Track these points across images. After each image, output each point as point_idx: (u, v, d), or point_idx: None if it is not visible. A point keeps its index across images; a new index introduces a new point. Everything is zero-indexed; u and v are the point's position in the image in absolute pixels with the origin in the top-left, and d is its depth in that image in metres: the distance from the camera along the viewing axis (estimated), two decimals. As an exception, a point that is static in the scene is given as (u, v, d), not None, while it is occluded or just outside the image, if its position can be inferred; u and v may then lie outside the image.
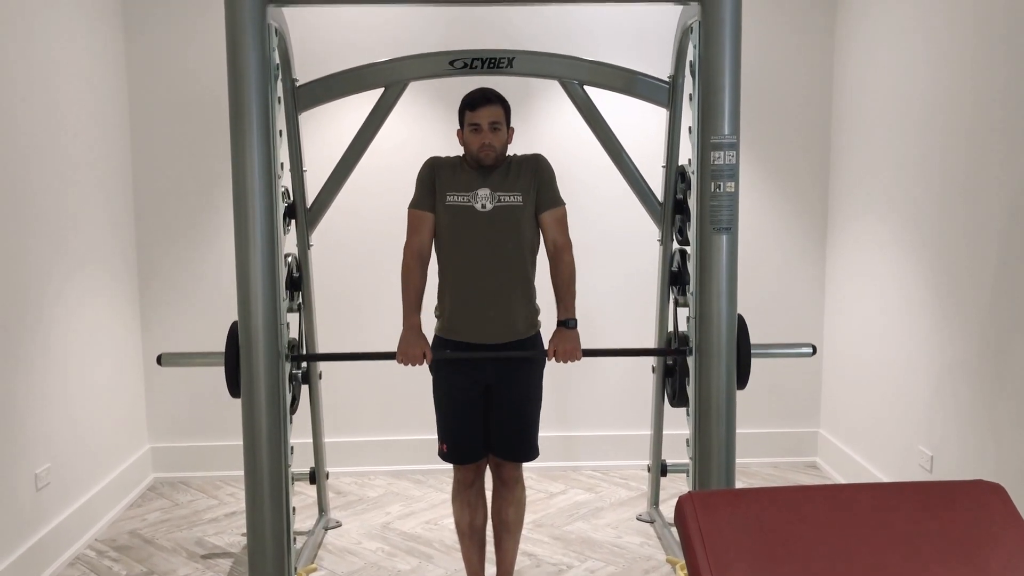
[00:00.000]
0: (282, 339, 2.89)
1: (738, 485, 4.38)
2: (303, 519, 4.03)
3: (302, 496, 4.30)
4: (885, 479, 3.94)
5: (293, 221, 3.53)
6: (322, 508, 3.99)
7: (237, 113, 2.75)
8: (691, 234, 2.91)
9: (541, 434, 3.65)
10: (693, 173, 2.84)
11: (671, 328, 3.58)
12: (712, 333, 2.84)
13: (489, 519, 3.22)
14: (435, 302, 3.09)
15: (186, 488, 4.47)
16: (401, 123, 4.30)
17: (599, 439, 4.71)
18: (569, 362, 2.98)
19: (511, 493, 3.16)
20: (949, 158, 3.42)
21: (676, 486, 4.23)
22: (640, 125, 4.16)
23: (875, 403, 4.08)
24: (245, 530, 3.90)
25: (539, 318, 3.09)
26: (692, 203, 2.89)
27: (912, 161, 3.72)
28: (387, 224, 4.50)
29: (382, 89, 3.32)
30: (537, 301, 3.08)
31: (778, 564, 1.49)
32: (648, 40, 4.39)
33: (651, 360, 3.81)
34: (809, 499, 1.60)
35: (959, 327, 3.36)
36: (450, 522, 3.97)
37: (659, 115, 4.31)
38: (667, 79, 3.42)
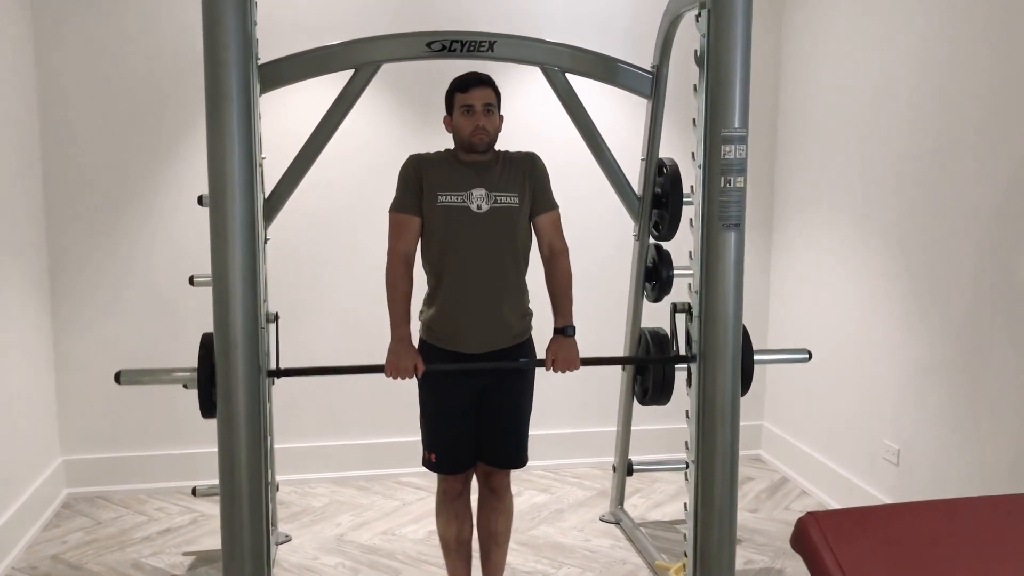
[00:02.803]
0: (262, 351, 2.62)
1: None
2: (248, 534, 3.74)
3: (242, 509, 4.00)
4: (843, 472, 3.99)
5: (249, 213, 3.24)
6: (271, 522, 3.70)
7: (215, 94, 2.46)
8: (695, 231, 2.81)
9: None
10: (700, 167, 2.74)
11: (643, 325, 3.50)
12: (719, 334, 2.75)
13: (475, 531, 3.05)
14: (419, 306, 2.88)
15: (106, 504, 4.07)
16: (362, 118, 4.04)
17: (548, 438, 4.58)
18: (567, 371, 2.84)
19: (501, 502, 3.00)
20: (903, 148, 3.46)
21: (631, 484, 4.17)
22: (603, 115, 4.04)
23: (827, 395, 4.13)
24: (184, 549, 3.62)
25: (532, 321, 2.93)
26: (697, 198, 2.78)
27: (862, 151, 3.75)
28: (333, 219, 4.27)
29: (352, 71, 3.09)
30: (530, 304, 2.92)
31: (925, 587, 1.41)
32: (613, 28, 4.30)
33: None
34: (931, 514, 1.53)
35: (921, 319, 3.41)
36: (409, 531, 3.81)
37: (624, 106, 4.25)
38: (650, 68, 3.32)
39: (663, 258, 3.50)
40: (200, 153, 4.10)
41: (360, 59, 3.07)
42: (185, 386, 2.71)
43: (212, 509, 4.01)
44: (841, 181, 3.97)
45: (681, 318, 2.94)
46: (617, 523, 3.90)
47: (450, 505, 2.95)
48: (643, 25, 4.37)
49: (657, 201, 3.45)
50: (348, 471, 4.38)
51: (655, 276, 3.53)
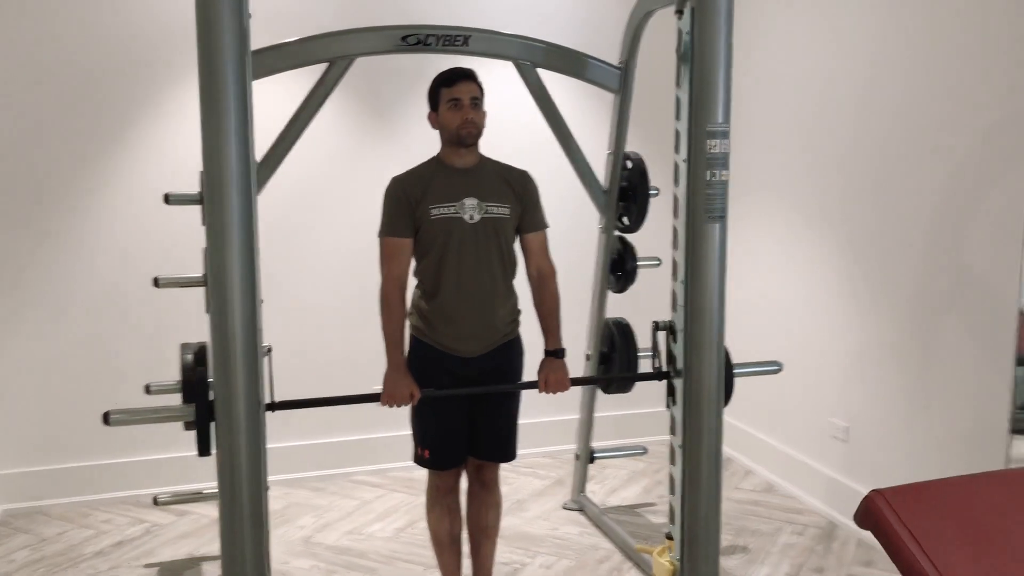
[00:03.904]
0: (261, 383, 2.52)
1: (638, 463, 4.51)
2: (208, 540, 3.62)
3: (196, 516, 3.88)
4: (787, 449, 4.18)
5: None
6: (237, 528, 3.59)
7: (210, 90, 2.35)
8: (678, 224, 2.89)
9: None
10: (685, 161, 2.81)
11: (607, 318, 3.58)
12: (705, 323, 2.82)
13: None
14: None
15: (46, 519, 3.86)
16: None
17: (499, 429, 4.62)
18: (558, 391, 2.89)
19: (491, 496, 3.02)
20: (848, 135, 3.65)
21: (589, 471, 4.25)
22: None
23: (769, 376, 4.30)
24: (144, 562, 3.47)
25: (520, 317, 2.95)
26: (679, 192, 2.86)
27: (806, 138, 3.93)
28: (282, 217, 4.17)
29: (325, 65, 3.03)
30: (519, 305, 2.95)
31: (997, 553, 1.51)
32: (560, 23, 4.35)
33: (583, 348, 3.78)
34: (995, 485, 1.64)
35: (869, 302, 3.61)
36: (376, 530, 3.78)
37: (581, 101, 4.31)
38: (619, 64, 3.39)
39: (628, 250, 3.58)
40: (136, 149, 3.94)
41: (334, 53, 3.01)
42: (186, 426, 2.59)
43: (164, 518, 3.86)
44: (786, 168, 4.13)
45: (662, 336, 3.00)
46: (580, 510, 3.97)
47: (442, 500, 2.95)
48: (595, 21, 4.47)
49: (623, 194, 3.53)
50: (300, 472, 4.29)
51: (620, 267, 3.60)
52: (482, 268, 2.76)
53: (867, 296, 3.63)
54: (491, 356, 2.84)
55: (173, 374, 3.81)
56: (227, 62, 2.36)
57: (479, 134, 2.79)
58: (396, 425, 4.38)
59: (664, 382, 3.00)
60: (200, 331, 3.87)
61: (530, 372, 2.98)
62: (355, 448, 4.36)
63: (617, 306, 3.76)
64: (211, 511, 3.90)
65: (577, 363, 3.89)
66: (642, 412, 4.62)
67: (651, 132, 4.17)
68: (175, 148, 3.99)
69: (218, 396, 2.43)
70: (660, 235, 3.87)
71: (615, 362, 3.51)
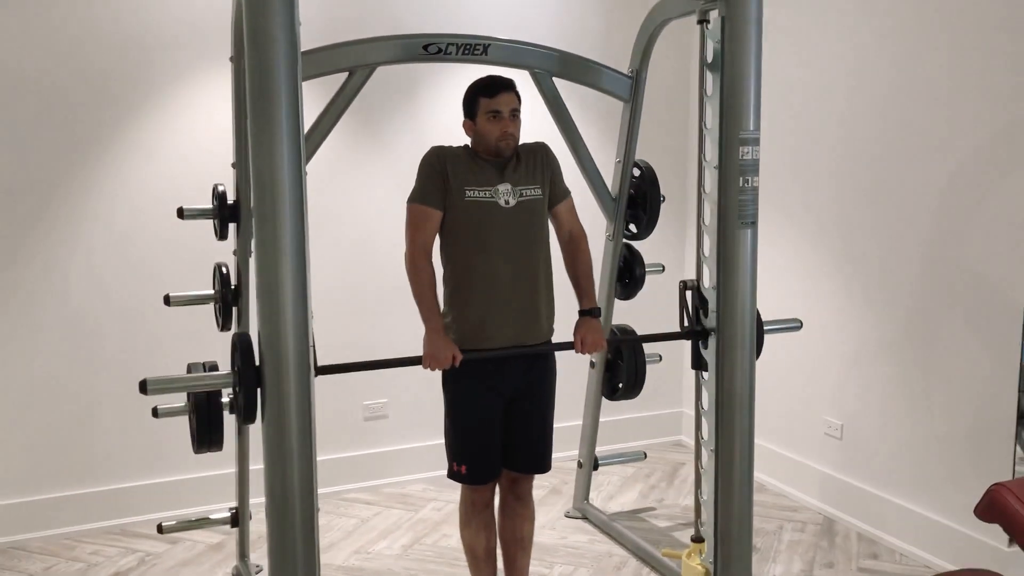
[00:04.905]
0: (309, 347, 2.40)
1: (628, 469, 4.54)
2: (209, 568, 3.48)
3: (190, 543, 3.72)
4: (774, 447, 4.27)
5: (233, 225, 3.03)
6: (244, 553, 3.46)
7: (263, 95, 2.26)
8: (707, 230, 2.93)
9: (429, 443, 4.09)
10: (716, 168, 2.85)
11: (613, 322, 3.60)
12: (737, 328, 2.88)
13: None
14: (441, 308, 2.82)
15: (27, 555, 3.63)
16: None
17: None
18: (595, 351, 2.90)
19: (526, 508, 3.00)
20: (845, 132, 3.78)
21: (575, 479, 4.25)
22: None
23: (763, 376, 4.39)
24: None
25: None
26: (709, 199, 2.90)
27: (803, 135, 4.02)
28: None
29: (346, 74, 2.98)
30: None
31: None
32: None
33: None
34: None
35: (866, 302, 3.74)
36: (382, 548, 3.72)
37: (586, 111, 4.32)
38: (629, 73, 3.42)
39: (635, 256, 3.62)
40: (114, 162, 3.75)
41: (355, 61, 2.97)
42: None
43: (157, 547, 3.69)
44: (783, 166, 4.17)
45: (688, 295, 3.02)
46: (584, 518, 3.98)
47: (480, 515, 2.91)
48: (601, 30, 4.49)
49: (631, 201, 3.56)
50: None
51: (628, 274, 3.63)
52: (521, 253, 2.76)
53: (863, 295, 3.75)
54: (526, 365, 2.82)
55: (149, 402, 3.67)
56: (280, 70, 2.28)
57: (516, 145, 2.78)
58: (383, 441, 4.31)
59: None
60: (178, 358, 3.73)
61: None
62: (345, 465, 4.26)
63: (618, 313, 3.78)
64: (206, 537, 3.75)
65: (582, 370, 3.92)
66: (621, 419, 4.68)
67: (649, 141, 4.19)
68: (151, 166, 3.83)
69: (266, 358, 2.29)
70: (657, 242, 3.95)
71: (621, 369, 3.53)
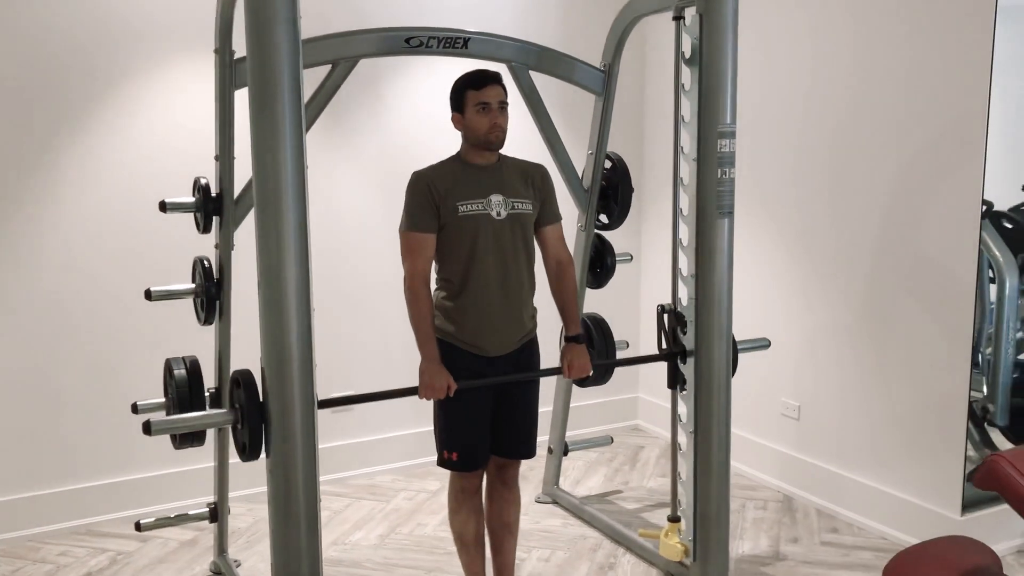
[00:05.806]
0: (313, 381, 2.40)
1: (592, 453, 4.64)
2: (186, 564, 3.45)
3: (162, 540, 3.68)
4: (737, 430, 4.42)
5: (216, 218, 3.00)
6: (223, 548, 3.44)
7: (264, 94, 2.25)
8: (685, 220, 3.03)
9: (394, 433, 4.29)
10: (695, 160, 2.95)
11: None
12: (714, 316, 2.99)
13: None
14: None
15: (-9, 558, 3.55)
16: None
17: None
18: (582, 376, 3.01)
19: (512, 493, 3.05)
20: (800, 121, 3.93)
21: (545, 465, 4.33)
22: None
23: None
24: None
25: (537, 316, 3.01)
26: (687, 190, 3.00)
27: (755, 122, 4.15)
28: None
29: (328, 67, 2.98)
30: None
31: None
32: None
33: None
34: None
35: (821, 288, 3.90)
36: (359, 538, 3.74)
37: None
38: (602, 67, 3.49)
39: (606, 246, 3.70)
40: (76, 159, 3.66)
41: (338, 54, 2.97)
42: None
43: (127, 545, 3.63)
44: (741, 158, 4.20)
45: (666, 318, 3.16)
46: (554, 502, 4.06)
47: (469, 502, 2.96)
48: (573, 24, 4.54)
49: (603, 192, 3.64)
50: (261, 487, 4.11)
51: (600, 263, 3.72)
52: (510, 264, 2.82)
53: (820, 281, 3.92)
54: (514, 357, 2.89)
55: (116, 398, 3.61)
56: (282, 64, 2.28)
57: (505, 137, 2.82)
58: (349, 433, 4.31)
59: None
60: (144, 355, 3.68)
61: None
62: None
63: (588, 302, 3.87)
64: (178, 534, 3.71)
65: (551, 358, 3.99)
66: (582, 405, 4.78)
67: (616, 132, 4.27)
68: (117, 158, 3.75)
69: (272, 394, 2.30)
70: (624, 232, 4.04)
71: (594, 356, 3.61)
